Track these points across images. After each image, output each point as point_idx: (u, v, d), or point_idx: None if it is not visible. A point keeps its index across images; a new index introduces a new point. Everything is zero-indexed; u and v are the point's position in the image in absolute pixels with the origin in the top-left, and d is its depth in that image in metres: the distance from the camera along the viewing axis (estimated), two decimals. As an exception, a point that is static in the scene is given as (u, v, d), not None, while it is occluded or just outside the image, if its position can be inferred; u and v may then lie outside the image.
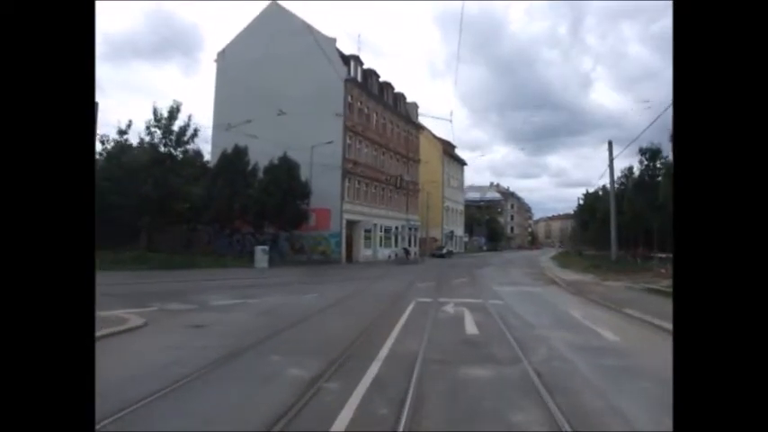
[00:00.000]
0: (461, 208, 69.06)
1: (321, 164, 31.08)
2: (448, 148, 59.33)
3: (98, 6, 2.15)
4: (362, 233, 36.29)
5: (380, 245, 39.50)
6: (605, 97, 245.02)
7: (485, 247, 78.83)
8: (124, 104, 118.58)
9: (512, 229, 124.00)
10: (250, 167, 30.49)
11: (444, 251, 49.80)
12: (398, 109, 43.76)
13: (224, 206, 29.06)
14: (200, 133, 28.55)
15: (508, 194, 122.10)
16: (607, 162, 27.81)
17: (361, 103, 36.53)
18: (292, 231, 31.65)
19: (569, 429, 3.64)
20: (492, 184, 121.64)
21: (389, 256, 40.04)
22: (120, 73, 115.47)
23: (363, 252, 36.32)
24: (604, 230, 48.04)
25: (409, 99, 46.75)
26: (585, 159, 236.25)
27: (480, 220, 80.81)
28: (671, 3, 2.08)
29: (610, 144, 28.49)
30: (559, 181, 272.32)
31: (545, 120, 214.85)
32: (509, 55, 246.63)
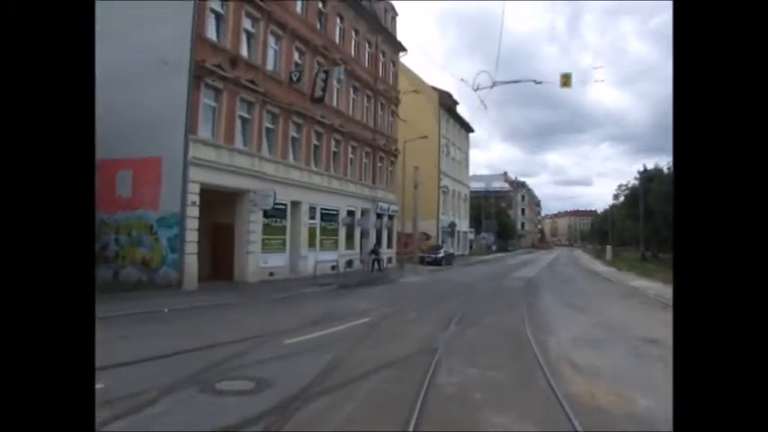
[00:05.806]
0: (466, 192, 49.60)
1: (128, 49, 12.12)
2: (447, 100, 39.96)
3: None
4: (257, 219, 16.67)
5: (313, 244, 20.31)
6: (604, 94, 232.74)
7: (494, 247, 59.73)
8: None
9: (522, 225, 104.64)
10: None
11: (441, 254, 30.68)
12: (357, -4, 24.20)
13: None
14: None
15: (518, 185, 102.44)
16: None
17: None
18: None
19: None
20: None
21: (333, 267, 20.88)
22: None
23: (262, 260, 16.85)
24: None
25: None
26: (584, 158, 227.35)
27: (489, 212, 61.21)
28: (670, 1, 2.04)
29: None
30: (559, 179, 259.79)
31: (544, 117, 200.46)
32: (508, 50, 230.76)
